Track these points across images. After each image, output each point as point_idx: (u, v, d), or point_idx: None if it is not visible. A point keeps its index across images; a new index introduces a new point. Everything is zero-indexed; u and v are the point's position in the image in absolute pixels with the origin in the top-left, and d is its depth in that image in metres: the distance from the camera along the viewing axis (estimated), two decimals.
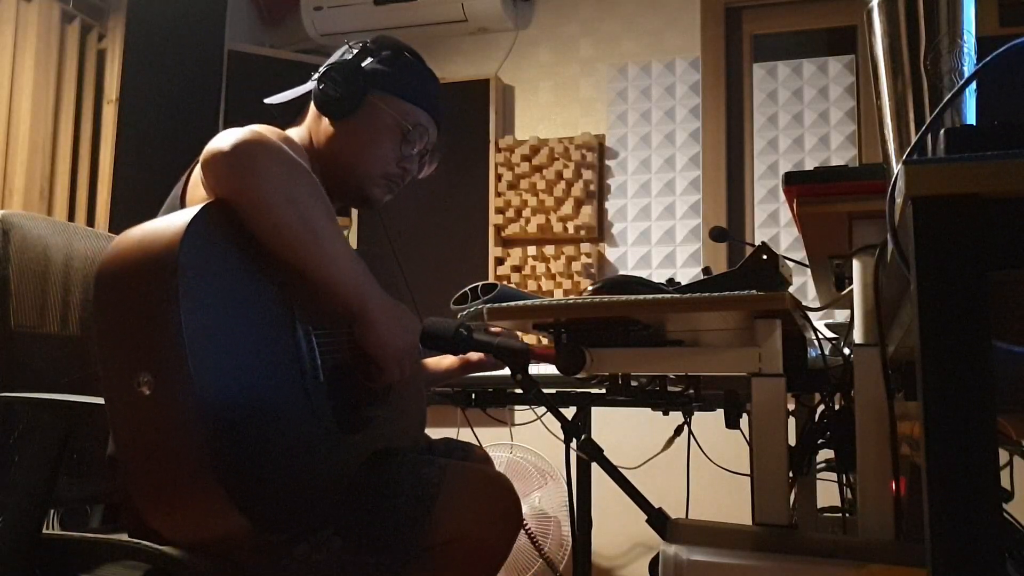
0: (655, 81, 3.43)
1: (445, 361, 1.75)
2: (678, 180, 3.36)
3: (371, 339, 1.19)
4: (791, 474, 1.15)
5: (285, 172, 1.12)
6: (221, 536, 1.01)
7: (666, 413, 1.87)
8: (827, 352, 1.34)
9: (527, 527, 2.74)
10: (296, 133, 1.48)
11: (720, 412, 1.47)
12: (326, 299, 1.17)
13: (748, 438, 1.51)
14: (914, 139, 0.80)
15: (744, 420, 1.48)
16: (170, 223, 1.02)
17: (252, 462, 1.01)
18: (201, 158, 1.13)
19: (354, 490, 1.19)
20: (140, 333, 0.98)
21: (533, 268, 3.40)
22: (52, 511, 1.73)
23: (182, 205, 1.29)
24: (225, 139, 1.11)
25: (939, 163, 0.64)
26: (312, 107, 1.47)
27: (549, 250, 3.42)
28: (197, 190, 1.25)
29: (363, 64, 1.45)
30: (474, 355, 1.74)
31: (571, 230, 3.39)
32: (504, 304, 1.21)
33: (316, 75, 1.46)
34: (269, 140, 1.13)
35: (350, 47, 1.49)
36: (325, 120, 1.46)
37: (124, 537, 1.15)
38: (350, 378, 1.23)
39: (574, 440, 1.23)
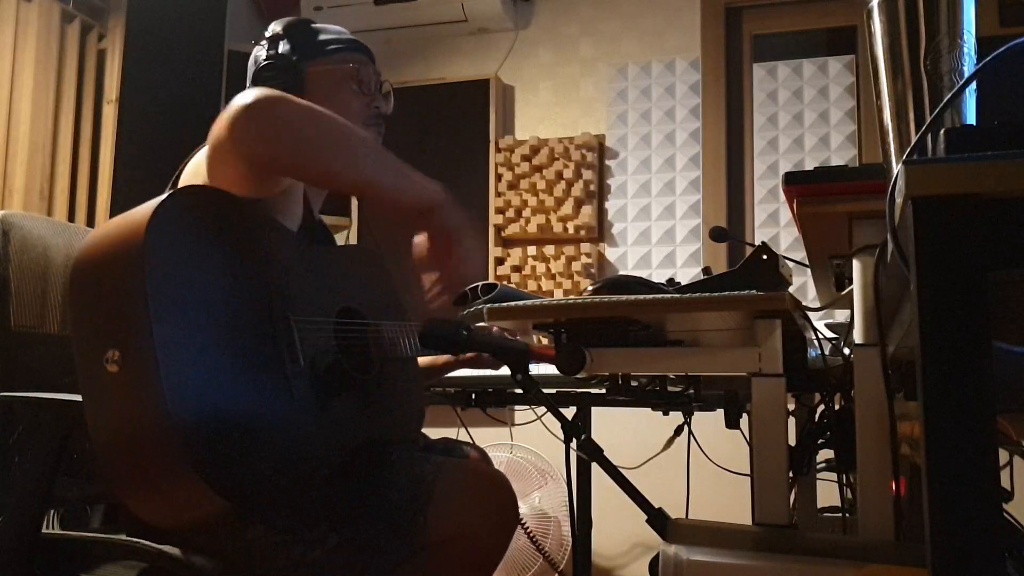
0: (655, 81, 3.43)
1: (440, 359, 1.75)
2: (678, 180, 3.36)
3: (452, 220, 1.20)
4: (791, 474, 1.15)
5: (303, 117, 1.14)
6: (202, 517, 1.00)
7: (666, 413, 1.87)
8: (827, 352, 1.34)
9: (526, 526, 2.74)
10: None
11: (720, 412, 1.47)
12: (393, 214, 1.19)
13: (748, 438, 1.51)
14: (914, 139, 0.80)
15: (744, 420, 1.48)
16: (142, 207, 1.03)
17: (224, 440, 1.01)
18: (215, 135, 1.12)
19: (349, 487, 1.19)
20: (107, 310, 0.99)
21: (533, 268, 3.40)
22: (52, 511, 1.73)
23: None
24: (238, 102, 1.11)
25: (939, 163, 0.64)
26: None
27: (549, 250, 3.41)
28: (194, 180, 1.26)
29: (280, 51, 1.48)
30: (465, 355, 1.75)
31: (571, 230, 3.39)
32: (504, 304, 1.21)
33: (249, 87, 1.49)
34: (275, 93, 1.13)
35: (258, 46, 1.52)
36: None
37: (122, 536, 1.15)
38: (336, 366, 1.23)
39: (574, 440, 1.23)
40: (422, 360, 1.74)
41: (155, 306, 0.96)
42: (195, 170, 1.29)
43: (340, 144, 1.16)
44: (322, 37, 1.52)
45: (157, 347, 0.95)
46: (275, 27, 1.51)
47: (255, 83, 1.48)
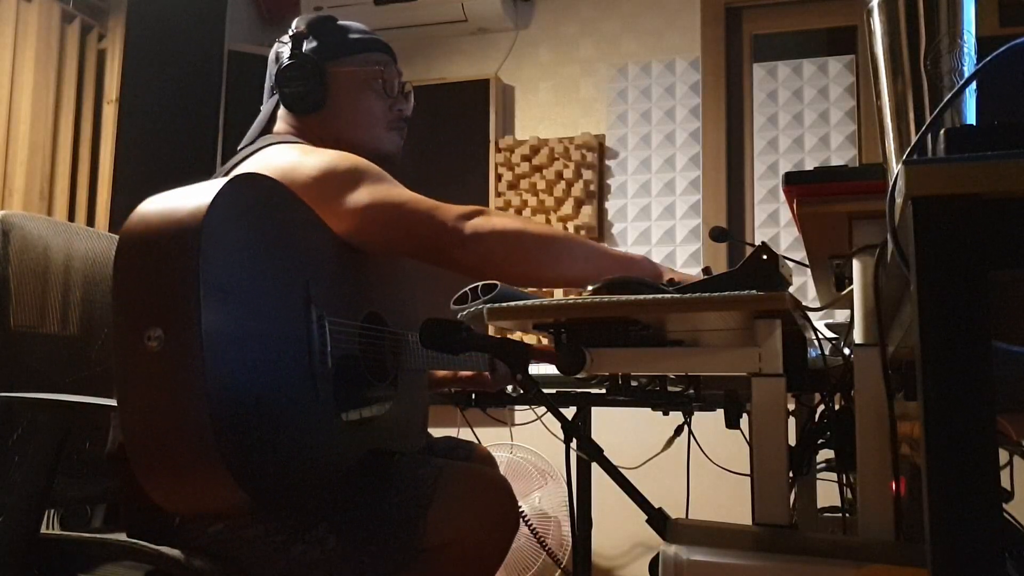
0: (655, 81, 3.43)
1: (439, 372, 1.76)
2: (678, 180, 3.36)
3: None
4: (791, 474, 1.15)
5: (513, 237, 1.28)
6: (216, 507, 1.00)
7: (666, 413, 1.87)
8: (827, 352, 1.34)
9: (528, 521, 2.73)
10: (301, 138, 1.47)
11: (720, 412, 1.47)
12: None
13: (748, 438, 1.50)
14: (914, 139, 0.80)
15: (744, 420, 1.48)
16: (200, 187, 1.02)
17: (253, 433, 1.01)
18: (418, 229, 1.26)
19: (350, 488, 1.19)
20: (156, 288, 0.97)
21: None
22: (52, 511, 1.73)
23: None
24: (463, 227, 1.25)
25: (939, 163, 0.64)
26: (288, 114, 1.49)
27: None
28: None
29: (304, 51, 1.47)
30: (465, 373, 1.76)
31: (571, 230, 3.39)
32: (504, 304, 1.21)
33: (273, 89, 1.50)
34: (487, 223, 1.27)
35: (280, 43, 1.51)
36: (309, 117, 1.48)
37: (122, 537, 1.15)
38: (357, 370, 1.24)
39: (574, 440, 1.22)
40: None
41: (206, 289, 0.95)
42: (267, 169, 1.28)
43: (543, 252, 1.29)
44: (346, 36, 1.51)
45: (203, 331, 0.94)
46: (298, 25, 1.50)
47: (277, 83, 1.47)
